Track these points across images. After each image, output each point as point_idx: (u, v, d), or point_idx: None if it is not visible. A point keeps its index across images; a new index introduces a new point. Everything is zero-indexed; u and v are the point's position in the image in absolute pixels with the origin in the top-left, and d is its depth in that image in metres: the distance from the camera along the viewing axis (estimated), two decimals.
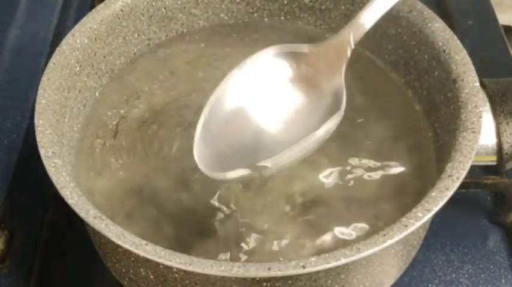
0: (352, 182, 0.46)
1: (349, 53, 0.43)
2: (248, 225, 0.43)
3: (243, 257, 0.42)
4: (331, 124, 0.41)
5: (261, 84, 0.44)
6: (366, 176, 0.46)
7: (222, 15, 0.54)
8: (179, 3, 0.53)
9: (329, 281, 0.40)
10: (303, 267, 0.36)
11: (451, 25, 0.48)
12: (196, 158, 0.40)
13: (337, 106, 0.42)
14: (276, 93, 0.44)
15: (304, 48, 0.44)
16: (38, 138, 0.42)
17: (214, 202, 0.44)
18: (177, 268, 0.38)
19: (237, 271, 0.36)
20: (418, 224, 0.38)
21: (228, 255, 0.42)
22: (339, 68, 0.43)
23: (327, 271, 0.39)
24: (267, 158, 0.40)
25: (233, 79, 0.43)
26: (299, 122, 0.43)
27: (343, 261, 0.36)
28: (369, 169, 0.46)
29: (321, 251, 0.41)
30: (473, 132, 0.41)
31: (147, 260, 0.38)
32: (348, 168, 0.46)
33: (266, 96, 0.44)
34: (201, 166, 0.40)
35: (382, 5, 0.43)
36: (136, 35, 0.52)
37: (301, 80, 0.44)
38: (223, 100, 0.43)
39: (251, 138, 0.43)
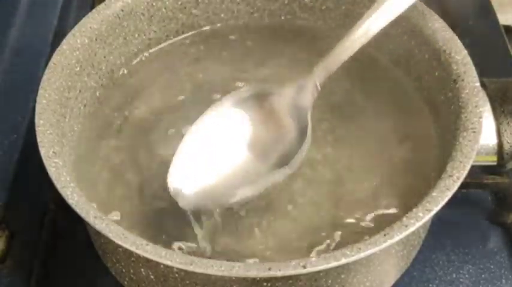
0: (351, 181, 0.46)
1: (315, 95, 0.44)
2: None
3: None
4: (298, 159, 0.43)
5: (227, 127, 0.45)
6: (365, 175, 0.46)
7: (222, 15, 0.54)
8: (179, 3, 0.53)
9: (329, 281, 0.40)
10: (304, 267, 0.36)
11: (451, 25, 0.48)
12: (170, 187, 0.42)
13: (301, 146, 0.44)
14: (240, 134, 0.45)
15: (271, 90, 0.46)
16: (38, 139, 0.42)
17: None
18: (177, 268, 0.38)
19: (238, 271, 0.36)
20: (418, 224, 0.38)
21: None
22: (305, 111, 0.44)
23: (327, 271, 0.39)
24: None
25: (201, 124, 0.45)
26: (261, 161, 0.45)
27: (343, 261, 0.36)
28: (369, 168, 0.46)
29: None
30: (474, 132, 0.41)
31: (148, 260, 0.38)
32: (348, 166, 0.46)
33: (232, 139, 0.45)
34: (175, 196, 0.42)
35: (344, 49, 0.44)
36: (136, 35, 0.52)
37: (265, 121, 0.46)
38: (193, 142, 0.44)
39: (224, 177, 0.44)
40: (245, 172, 0.44)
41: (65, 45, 0.47)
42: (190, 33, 0.54)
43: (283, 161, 0.43)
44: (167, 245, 0.43)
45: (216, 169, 0.44)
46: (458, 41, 0.46)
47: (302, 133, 0.44)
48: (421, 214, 0.38)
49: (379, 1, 0.44)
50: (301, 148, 0.43)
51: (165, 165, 0.46)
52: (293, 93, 0.45)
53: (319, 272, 0.38)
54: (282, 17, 0.55)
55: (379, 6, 0.44)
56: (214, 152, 0.44)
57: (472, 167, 0.40)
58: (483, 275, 0.49)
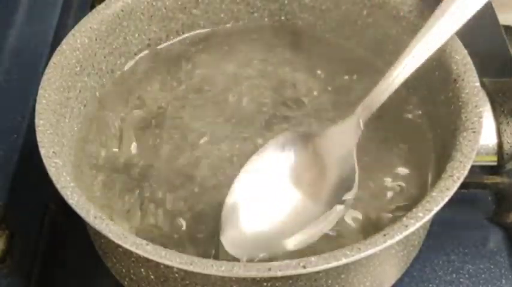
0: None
1: (359, 134, 0.44)
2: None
3: None
4: (347, 202, 0.43)
5: (274, 172, 0.45)
6: (364, 176, 0.46)
7: (222, 15, 0.54)
8: (179, 3, 0.53)
9: (329, 281, 0.40)
10: (304, 267, 0.36)
11: None
12: (223, 240, 0.42)
13: (350, 185, 0.43)
14: (288, 178, 0.45)
15: (314, 132, 0.46)
16: (38, 138, 0.42)
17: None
18: (177, 268, 0.38)
19: (238, 271, 0.36)
20: (418, 224, 0.38)
21: None
22: (350, 150, 0.44)
23: (327, 271, 0.39)
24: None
25: (248, 170, 0.45)
26: (312, 203, 0.44)
27: (343, 261, 0.36)
28: (368, 169, 0.46)
29: None
30: (474, 132, 0.41)
31: (148, 260, 0.38)
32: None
33: (280, 183, 0.45)
34: (228, 247, 0.42)
35: (386, 87, 0.44)
36: (136, 35, 0.52)
37: (311, 163, 0.45)
38: (242, 190, 0.44)
39: (269, 224, 0.44)
40: (298, 216, 0.44)
41: (65, 45, 0.47)
42: (190, 33, 0.54)
43: (332, 201, 0.43)
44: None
45: (268, 216, 0.44)
46: (458, 41, 0.46)
47: (349, 173, 0.43)
48: (421, 214, 0.38)
49: (417, 38, 0.44)
50: (354, 186, 0.43)
51: (165, 165, 0.47)
52: (337, 134, 0.45)
53: (319, 272, 0.38)
54: (282, 17, 0.55)
55: (416, 44, 0.44)
56: (264, 199, 0.44)
57: (472, 167, 0.40)
58: (483, 275, 0.49)
